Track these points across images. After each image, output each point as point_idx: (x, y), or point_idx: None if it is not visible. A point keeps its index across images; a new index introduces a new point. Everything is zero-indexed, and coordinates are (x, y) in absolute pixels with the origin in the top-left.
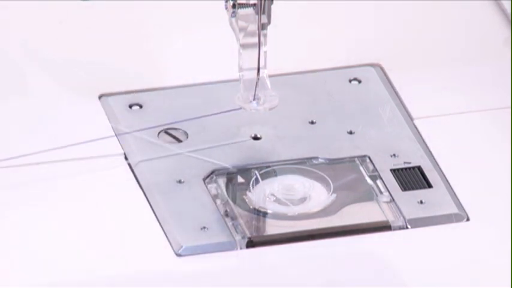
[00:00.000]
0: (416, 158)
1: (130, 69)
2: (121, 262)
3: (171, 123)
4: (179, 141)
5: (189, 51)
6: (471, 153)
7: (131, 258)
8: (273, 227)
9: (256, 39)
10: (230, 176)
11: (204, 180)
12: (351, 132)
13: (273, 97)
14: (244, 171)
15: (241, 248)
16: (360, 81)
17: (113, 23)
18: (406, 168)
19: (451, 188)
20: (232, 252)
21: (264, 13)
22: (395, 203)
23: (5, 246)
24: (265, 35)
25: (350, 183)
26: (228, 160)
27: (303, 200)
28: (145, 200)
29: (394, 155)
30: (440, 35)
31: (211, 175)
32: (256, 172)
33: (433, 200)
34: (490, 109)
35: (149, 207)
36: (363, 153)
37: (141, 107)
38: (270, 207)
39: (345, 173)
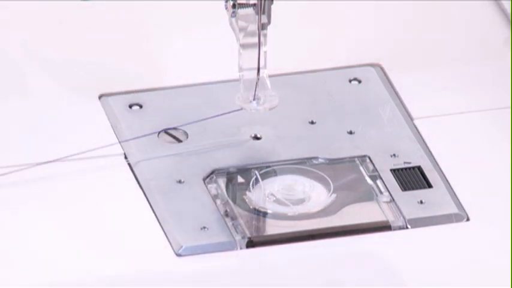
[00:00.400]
0: (416, 158)
1: (130, 69)
2: (121, 262)
3: (172, 128)
4: (179, 141)
5: (189, 51)
6: (471, 153)
7: (131, 258)
8: (273, 227)
9: (256, 39)
10: (230, 176)
11: (204, 180)
12: (351, 132)
13: (273, 97)
14: (244, 171)
15: (241, 248)
16: (360, 81)
17: (113, 23)
18: (406, 168)
19: (451, 188)
20: (232, 252)
21: (264, 13)
22: (395, 203)
23: (5, 246)
24: (265, 35)
25: (350, 183)
26: (228, 160)
27: (303, 200)
28: (145, 200)
29: (394, 155)
30: (440, 35)
31: (211, 175)
32: (256, 172)
33: (433, 200)
34: (490, 109)
35: (149, 207)
36: (363, 153)
37: (141, 107)
38: (270, 207)
39: (345, 173)
